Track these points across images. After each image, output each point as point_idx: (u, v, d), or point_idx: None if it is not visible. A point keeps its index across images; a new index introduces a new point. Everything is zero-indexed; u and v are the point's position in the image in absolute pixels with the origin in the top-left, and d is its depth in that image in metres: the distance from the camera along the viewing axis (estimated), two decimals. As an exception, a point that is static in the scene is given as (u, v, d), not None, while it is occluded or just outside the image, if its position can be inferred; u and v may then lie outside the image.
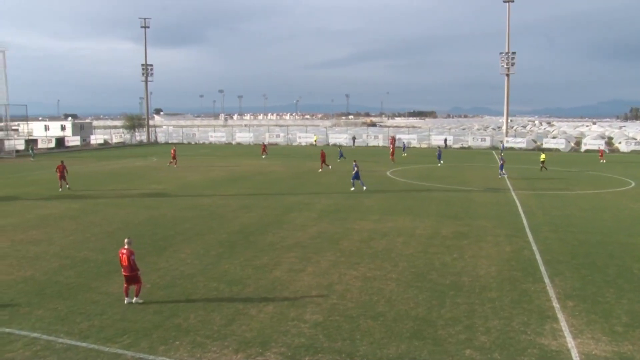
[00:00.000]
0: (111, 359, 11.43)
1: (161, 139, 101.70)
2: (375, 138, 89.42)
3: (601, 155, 62.15)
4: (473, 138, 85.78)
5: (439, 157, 55.05)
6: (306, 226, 24.51)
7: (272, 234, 23.01)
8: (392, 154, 58.70)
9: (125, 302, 14.54)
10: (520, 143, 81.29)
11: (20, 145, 72.67)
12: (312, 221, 25.66)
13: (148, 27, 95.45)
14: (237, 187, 37.66)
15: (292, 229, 23.99)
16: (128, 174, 46.58)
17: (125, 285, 14.63)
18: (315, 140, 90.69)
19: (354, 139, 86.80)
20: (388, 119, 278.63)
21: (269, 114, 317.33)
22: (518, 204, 30.40)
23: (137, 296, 14.65)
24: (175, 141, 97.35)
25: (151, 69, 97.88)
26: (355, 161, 37.24)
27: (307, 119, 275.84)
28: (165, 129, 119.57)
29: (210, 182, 40.54)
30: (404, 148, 69.56)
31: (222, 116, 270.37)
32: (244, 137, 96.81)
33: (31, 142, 72.50)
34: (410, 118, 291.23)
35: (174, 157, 52.16)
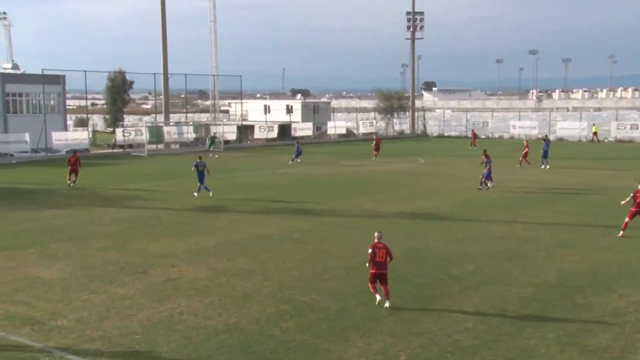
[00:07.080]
0: None
1: (432, 129, 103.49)
2: None
3: None
4: None
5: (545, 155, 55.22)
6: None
7: (617, 293, 21.83)
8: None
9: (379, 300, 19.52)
10: None
11: (232, 134, 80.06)
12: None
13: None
14: (555, 209, 36.98)
15: (652, 287, 22.57)
16: (381, 181, 48.48)
17: (373, 284, 19.76)
18: (595, 133, 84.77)
19: None
20: None
21: (620, 89, 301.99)
22: None
23: (388, 298, 19.46)
24: (448, 134, 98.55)
25: (420, 20, 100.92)
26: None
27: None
28: (440, 113, 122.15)
29: (510, 199, 40.43)
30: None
31: (533, 93, 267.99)
32: (570, 128, 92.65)
33: (213, 134, 76.78)
34: None
35: (377, 149, 59.33)
